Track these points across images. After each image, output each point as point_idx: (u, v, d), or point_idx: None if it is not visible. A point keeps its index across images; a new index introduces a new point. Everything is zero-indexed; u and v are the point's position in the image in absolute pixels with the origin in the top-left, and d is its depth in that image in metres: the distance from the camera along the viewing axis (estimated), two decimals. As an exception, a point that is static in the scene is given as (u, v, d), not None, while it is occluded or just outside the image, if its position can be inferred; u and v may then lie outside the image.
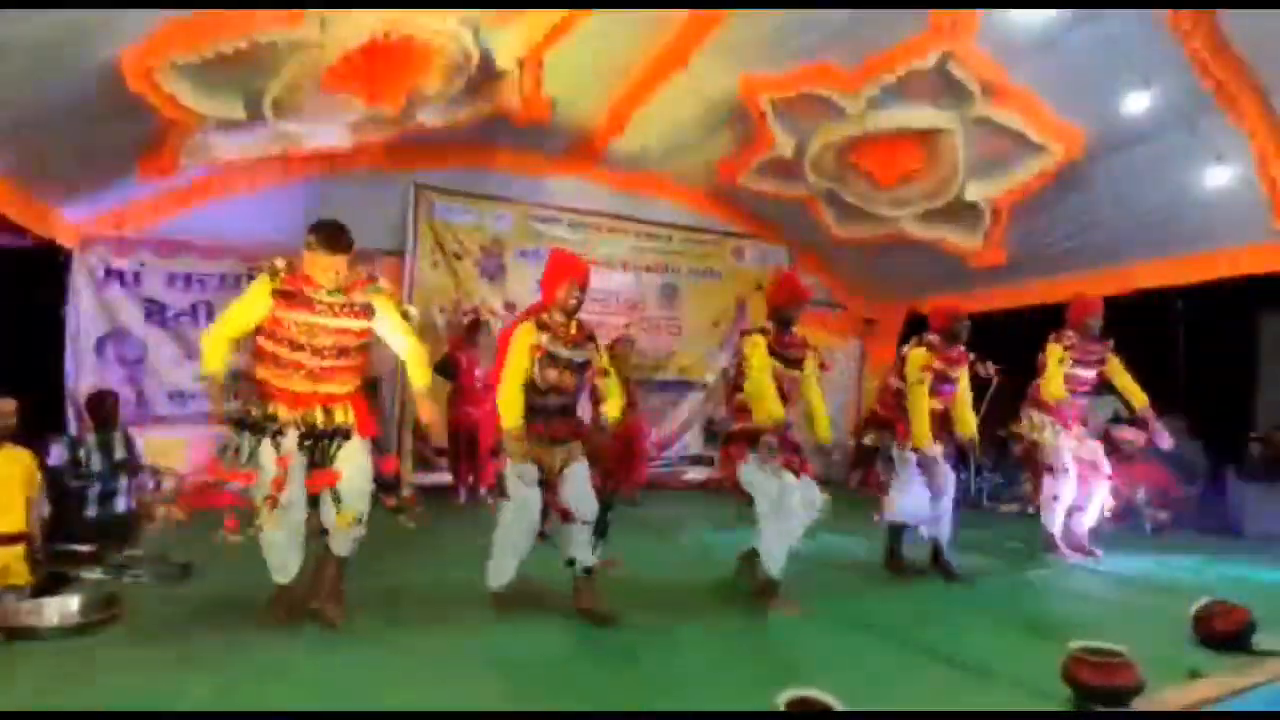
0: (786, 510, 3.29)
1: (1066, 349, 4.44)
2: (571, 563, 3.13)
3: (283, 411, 2.83)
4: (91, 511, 4.18)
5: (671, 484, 7.07)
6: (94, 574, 3.18)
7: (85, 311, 5.48)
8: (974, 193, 5.86)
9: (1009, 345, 7.20)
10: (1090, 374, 4.50)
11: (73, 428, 5.21)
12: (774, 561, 3.29)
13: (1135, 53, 4.29)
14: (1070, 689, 2.13)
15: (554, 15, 4.28)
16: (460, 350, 5.77)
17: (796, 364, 3.50)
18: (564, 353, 3.16)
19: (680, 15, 4.46)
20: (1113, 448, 5.93)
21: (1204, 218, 5.19)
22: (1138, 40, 4.21)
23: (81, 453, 4.24)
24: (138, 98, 3.76)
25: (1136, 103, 4.49)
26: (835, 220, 6.97)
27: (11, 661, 2.37)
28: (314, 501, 2.86)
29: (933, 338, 4.14)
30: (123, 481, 4.34)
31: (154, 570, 3.32)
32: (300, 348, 2.81)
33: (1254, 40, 3.99)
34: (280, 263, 2.87)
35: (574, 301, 3.18)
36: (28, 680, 2.22)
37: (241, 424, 2.81)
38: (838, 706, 1.80)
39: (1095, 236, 5.92)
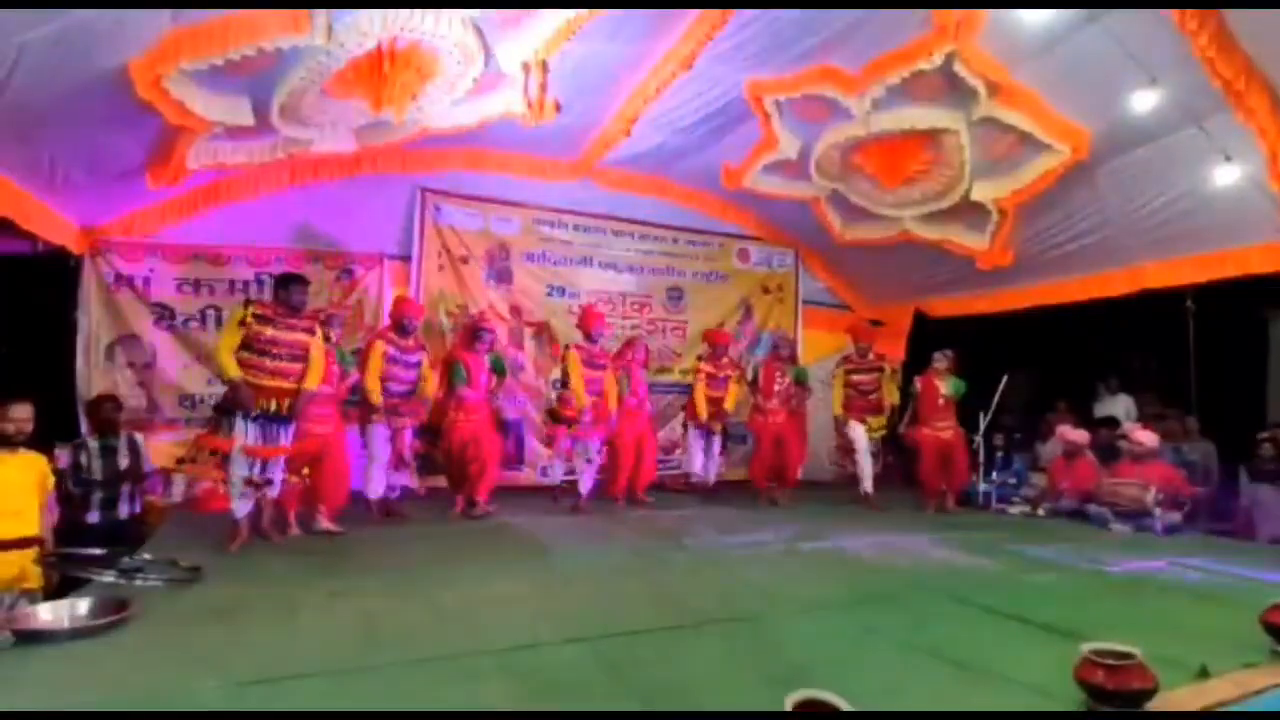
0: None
1: (846, 368, 6.53)
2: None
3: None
4: (94, 517, 4.18)
5: (677, 486, 7.06)
6: (105, 577, 3.19)
7: (95, 317, 5.54)
8: (981, 193, 5.83)
9: (1016, 346, 7.22)
10: (869, 378, 6.45)
11: (84, 432, 5.25)
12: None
13: (1142, 52, 4.27)
14: (1083, 691, 2.12)
15: (559, 18, 4.29)
16: (461, 354, 5.50)
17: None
18: (401, 357, 5.07)
19: (685, 17, 4.47)
20: (1113, 449, 5.96)
21: (1213, 217, 5.16)
22: (1144, 39, 4.20)
23: (84, 458, 4.23)
24: (146, 104, 3.78)
25: (1144, 102, 4.47)
26: (841, 221, 6.96)
27: (25, 664, 2.39)
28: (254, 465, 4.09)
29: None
30: (125, 488, 4.33)
31: (164, 574, 3.33)
32: (264, 354, 4.08)
33: (1262, 38, 3.97)
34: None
35: (408, 327, 5.17)
36: (40, 682, 2.23)
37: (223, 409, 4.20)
38: (846, 708, 1.79)
39: (1103, 236, 5.90)
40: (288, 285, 4.24)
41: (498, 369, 5.62)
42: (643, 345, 6.38)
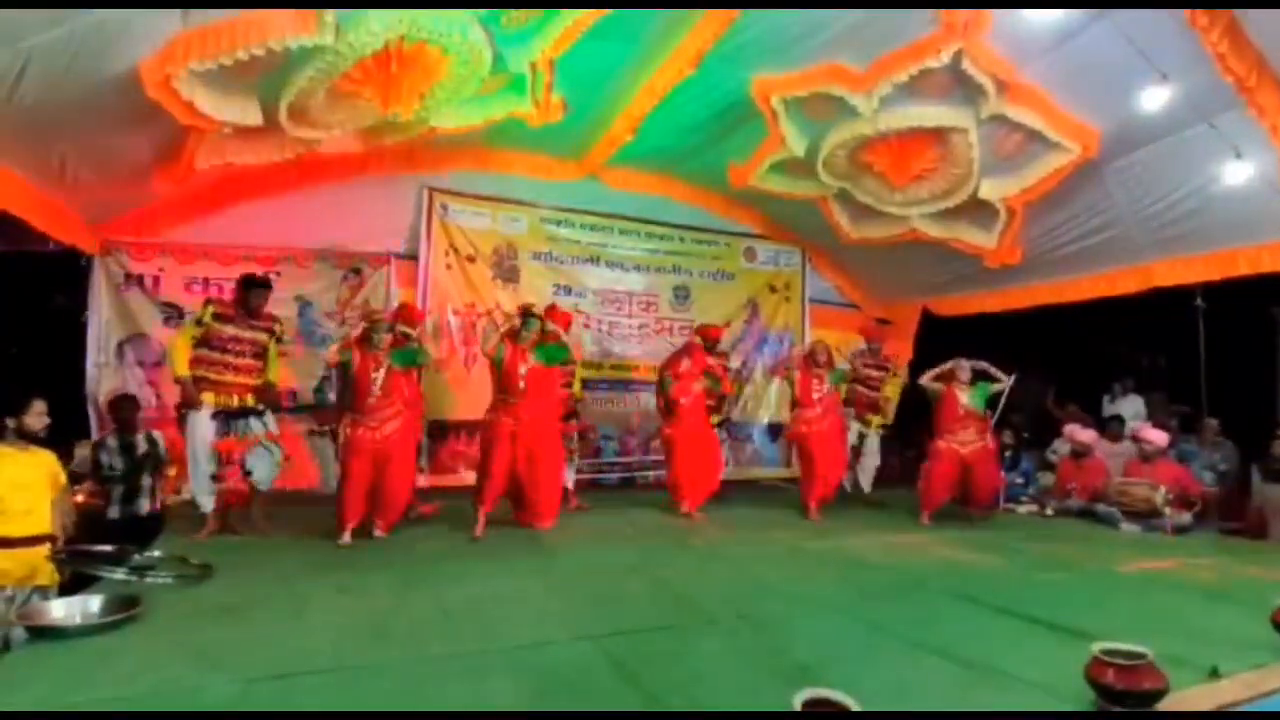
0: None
1: (861, 361, 6.61)
2: None
3: (209, 398, 4.23)
4: (114, 513, 4.24)
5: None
6: (116, 575, 3.21)
7: (105, 316, 5.57)
8: (989, 191, 5.80)
9: (1025, 344, 7.18)
10: (877, 375, 6.60)
11: (94, 431, 5.29)
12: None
13: (1152, 49, 4.24)
14: (1094, 691, 2.11)
15: (566, 17, 4.30)
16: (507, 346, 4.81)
17: None
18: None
19: (692, 16, 4.47)
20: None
21: (1223, 214, 5.13)
22: (1155, 36, 4.17)
23: (104, 455, 4.30)
24: (156, 105, 3.80)
25: (1154, 99, 4.44)
26: (848, 220, 6.94)
27: (37, 659, 2.41)
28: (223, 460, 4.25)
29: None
30: (145, 482, 4.39)
31: (174, 571, 3.36)
32: (226, 351, 4.28)
33: (1273, 34, 3.94)
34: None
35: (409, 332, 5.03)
36: (51, 678, 2.25)
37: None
38: (855, 707, 1.79)
39: (1112, 235, 5.86)
40: (249, 289, 4.39)
41: (548, 360, 4.86)
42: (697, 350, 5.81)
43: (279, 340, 4.56)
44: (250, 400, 4.38)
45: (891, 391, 6.64)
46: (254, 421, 4.38)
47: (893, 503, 6.23)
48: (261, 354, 4.44)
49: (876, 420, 6.64)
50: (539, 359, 4.79)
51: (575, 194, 7.02)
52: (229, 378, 4.29)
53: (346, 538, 4.24)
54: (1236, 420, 6.38)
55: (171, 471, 4.75)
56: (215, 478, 4.26)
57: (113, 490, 4.29)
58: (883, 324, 8.44)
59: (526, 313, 4.85)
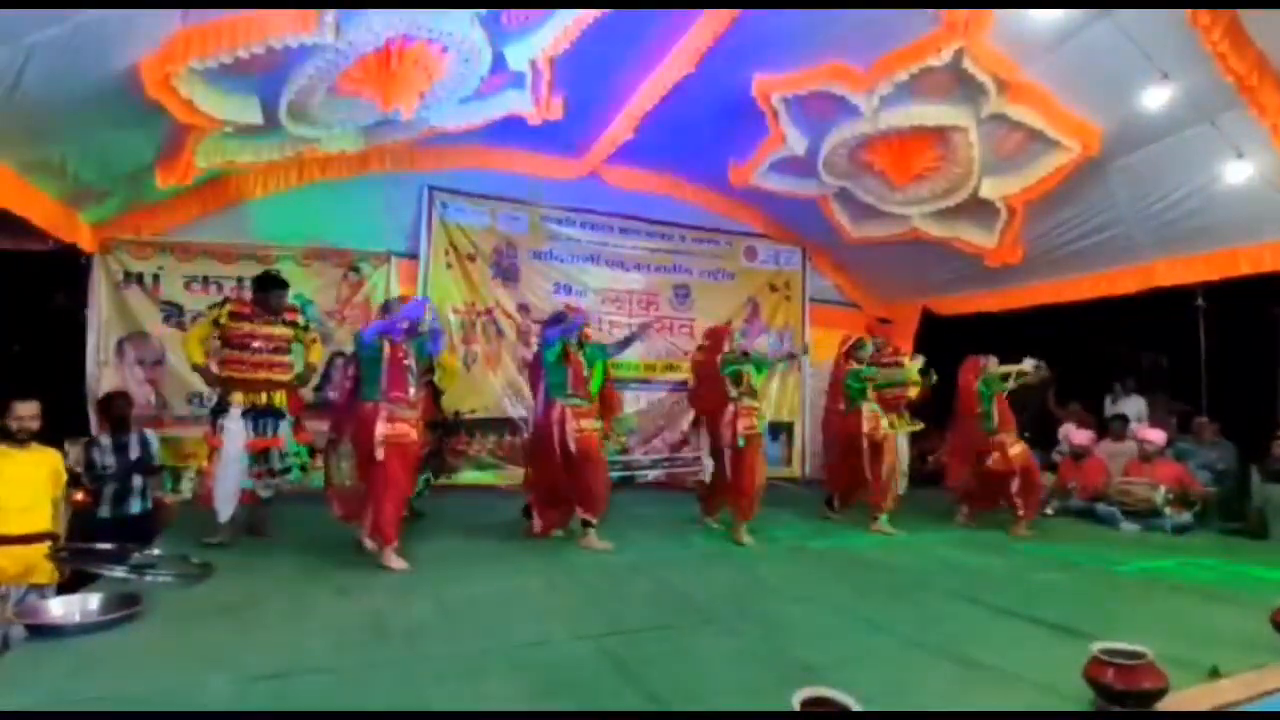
0: None
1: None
2: None
3: (237, 397, 4.11)
4: (105, 511, 4.21)
5: (684, 484, 7.05)
6: (116, 573, 3.21)
7: (105, 314, 5.58)
8: (990, 190, 5.80)
9: (1026, 344, 7.15)
10: (897, 369, 5.98)
11: (94, 429, 5.29)
12: None
13: (1153, 48, 4.24)
14: (1093, 690, 2.10)
15: (566, 16, 4.29)
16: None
17: None
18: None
19: (692, 15, 4.46)
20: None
21: (1224, 214, 5.12)
22: (1156, 35, 4.16)
23: (95, 453, 4.27)
24: (156, 103, 3.80)
25: (1155, 98, 4.43)
26: (849, 219, 6.94)
27: (35, 658, 2.41)
28: (255, 459, 4.13)
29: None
30: (136, 482, 4.36)
31: (175, 570, 3.35)
32: (246, 349, 4.17)
33: (1274, 34, 3.93)
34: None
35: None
36: (50, 677, 2.25)
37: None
38: (855, 706, 1.79)
39: (1113, 234, 5.86)
40: (266, 289, 4.31)
41: (590, 362, 4.63)
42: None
43: (305, 330, 4.44)
44: (280, 398, 4.24)
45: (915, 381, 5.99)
46: (283, 424, 4.26)
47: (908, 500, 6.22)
48: (285, 349, 4.33)
49: (903, 421, 6.09)
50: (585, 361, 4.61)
51: (575, 193, 7.02)
52: (250, 375, 4.19)
53: (398, 560, 3.75)
54: (1237, 420, 6.37)
55: (205, 465, 4.52)
56: (258, 475, 4.15)
57: (104, 489, 4.25)
58: (883, 323, 8.45)
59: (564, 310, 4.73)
